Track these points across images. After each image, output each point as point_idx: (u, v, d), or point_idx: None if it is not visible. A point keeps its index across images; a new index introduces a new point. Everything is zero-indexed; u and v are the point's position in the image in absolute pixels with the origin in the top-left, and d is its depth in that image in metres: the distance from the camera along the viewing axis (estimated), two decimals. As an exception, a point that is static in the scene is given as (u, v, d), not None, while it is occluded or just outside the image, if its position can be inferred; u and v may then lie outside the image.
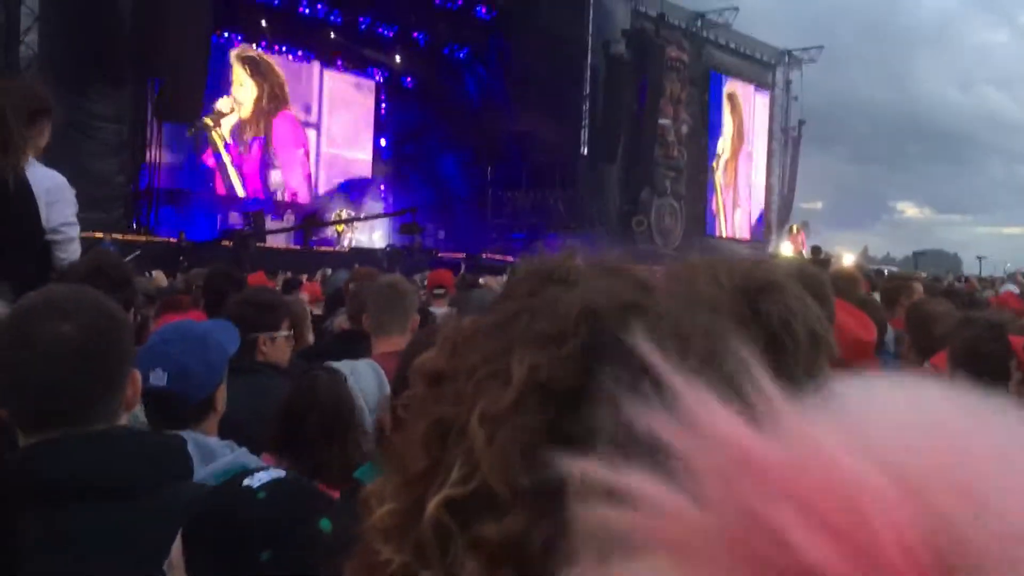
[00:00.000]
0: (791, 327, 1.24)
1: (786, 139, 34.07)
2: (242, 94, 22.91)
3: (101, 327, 1.65)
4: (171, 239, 16.60)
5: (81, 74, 15.34)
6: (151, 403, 2.11)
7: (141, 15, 15.67)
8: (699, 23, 29.13)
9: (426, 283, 7.59)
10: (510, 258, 19.95)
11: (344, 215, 22.72)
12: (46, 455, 1.54)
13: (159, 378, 2.13)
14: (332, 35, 23.79)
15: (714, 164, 30.73)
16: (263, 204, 22.27)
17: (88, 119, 15.63)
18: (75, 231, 3.84)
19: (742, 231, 32.45)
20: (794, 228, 27.99)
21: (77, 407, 1.60)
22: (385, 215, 22.12)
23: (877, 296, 6.18)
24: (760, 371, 0.40)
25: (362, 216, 21.67)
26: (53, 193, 3.69)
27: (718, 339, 0.64)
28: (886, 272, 18.98)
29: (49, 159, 3.87)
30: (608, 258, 0.79)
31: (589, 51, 24.73)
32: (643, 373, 0.60)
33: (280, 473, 1.44)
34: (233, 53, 22.46)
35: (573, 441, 0.59)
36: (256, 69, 23.11)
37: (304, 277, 10.31)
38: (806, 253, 23.86)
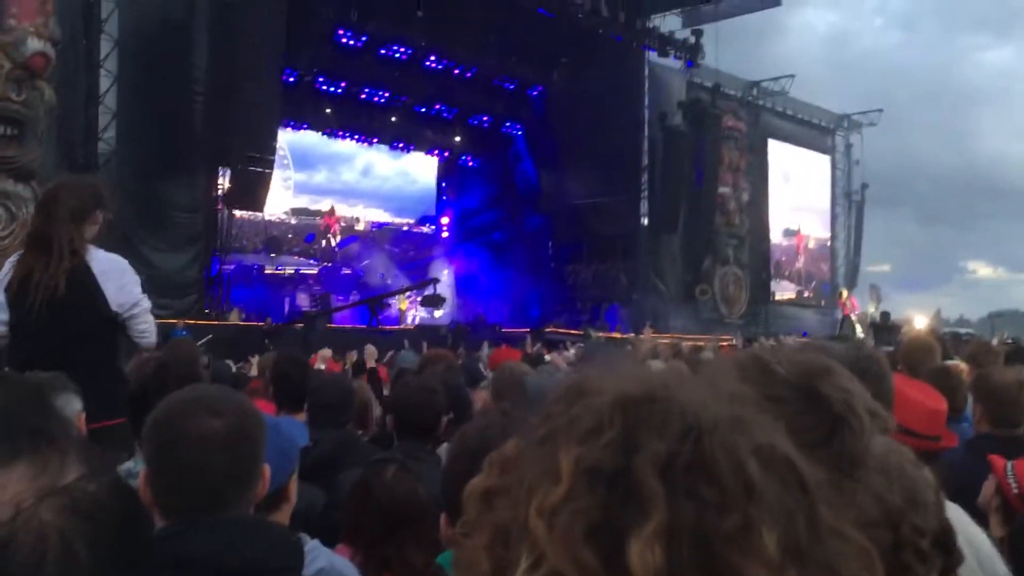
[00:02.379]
0: (853, 408, 1.29)
1: (849, 203, 33.71)
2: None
3: (245, 424, 1.81)
4: (257, 323, 17.04)
5: (156, 167, 16.05)
6: None
7: (213, 108, 16.40)
8: (755, 91, 29.25)
9: (488, 361, 7.62)
10: (574, 331, 19.94)
11: (407, 294, 23.00)
12: (189, 536, 1.66)
13: None
14: (393, 119, 24.47)
15: (777, 230, 30.49)
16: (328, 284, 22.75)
17: (163, 209, 16.27)
18: (146, 305, 4.00)
19: (809, 299, 31.95)
20: (843, 294, 27.48)
21: (221, 495, 1.76)
22: (407, 288, 22.16)
23: (957, 361, 6.05)
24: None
25: (388, 293, 21.78)
26: (113, 276, 3.85)
27: (742, 423, 0.72)
28: (963, 335, 18.49)
29: (126, 248, 4.05)
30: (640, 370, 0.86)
31: (646, 123, 24.98)
32: (677, 450, 0.68)
33: None
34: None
35: (626, 515, 0.66)
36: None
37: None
38: (854, 317, 23.38)
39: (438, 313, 23.64)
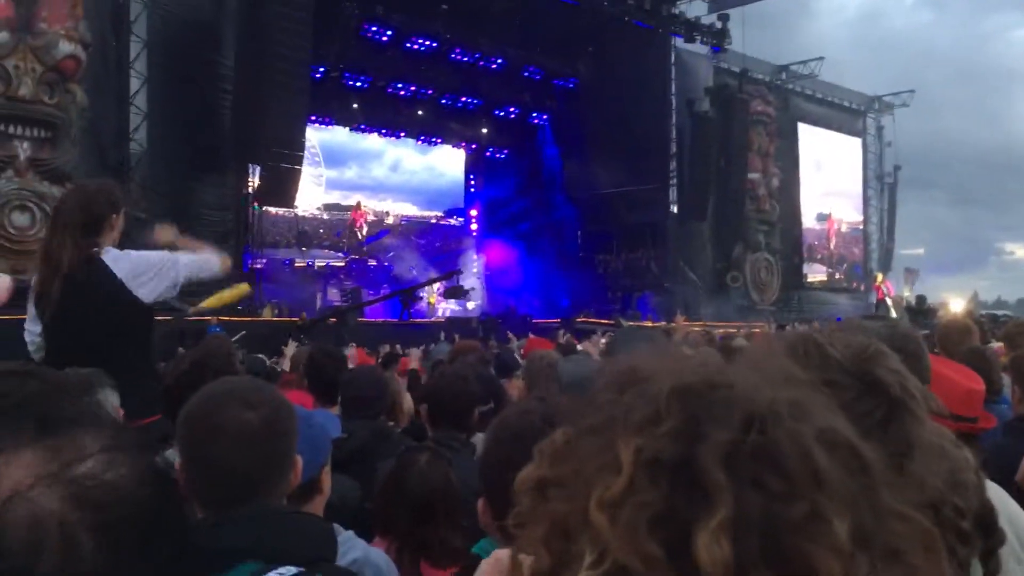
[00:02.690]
0: (911, 392, 1.28)
1: (882, 186, 33.29)
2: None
3: (279, 416, 1.83)
4: (291, 318, 17.18)
5: (187, 166, 16.21)
6: None
7: (242, 106, 16.52)
8: (783, 76, 28.94)
9: (522, 352, 7.62)
10: (605, 321, 19.88)
11: (471, 291, 22.99)
12: (224, 527, 1.68)
13: None
14: (420, 112, 24.52)
15: (808, 215, 30.20)
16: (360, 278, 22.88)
17: (195, 207, 16.43)
18: (171, 258, 3.94)
19: (840, 281, 31.63)
20: (878, 277, 27.16)
21: (254, 487, 1.77)
22: (431, 280, 22.12)
23: (995, 343, 5.95)
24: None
25: (416, 285, 21.80)
26: (121, 262, 3.82)
27: (803, 408, 0.71)
28: (1000, 316, 18.19)
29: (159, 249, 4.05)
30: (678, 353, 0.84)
31: (673, 111, 24.81)
32: (740, 439, 0.66)
33: (292, 570, 1.51)
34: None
35: (690, 506, 0.65)
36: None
37: (399, 348, 10.51)
38: (890, 301, 23.11)
39: (471, 305, 23.70)
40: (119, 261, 3.82)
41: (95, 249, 3.78)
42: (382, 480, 2.55)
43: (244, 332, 12.85)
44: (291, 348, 7.08)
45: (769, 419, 0.68)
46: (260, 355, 8.68)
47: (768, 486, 0.65)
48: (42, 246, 4.00)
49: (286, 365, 6.42)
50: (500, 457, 1.80)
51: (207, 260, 4.11)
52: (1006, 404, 3.95)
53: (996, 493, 1.66)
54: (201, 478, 1.76)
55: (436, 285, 22.37)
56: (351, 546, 2.03)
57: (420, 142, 26.27)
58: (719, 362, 0.77)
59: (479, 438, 3.04)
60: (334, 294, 21.26)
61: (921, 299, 18.89)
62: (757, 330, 15.49)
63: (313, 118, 21.63)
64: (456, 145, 27.25)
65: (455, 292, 20.73)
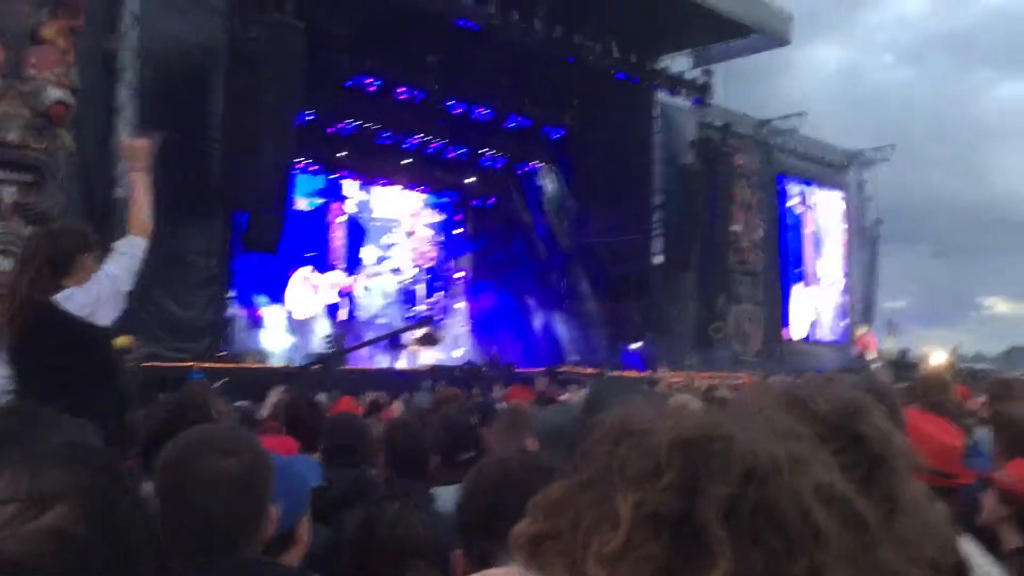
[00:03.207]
0: (892, 445, 1.28)
1: (863, 239, 33.63)
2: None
3: (256, 464, 1.82)
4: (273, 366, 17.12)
5: (173, 212, 16.15)
6: None
7: (228, 150, 16.59)
8: (765, 130, 29.38)
9: (504, 400, 7.60)
10: (589, 370, 19.87)
11: (442, 338, 22.97)
12: None
13: None
14: (406, 160, 24.67)
15: (791, 267, 30.43)
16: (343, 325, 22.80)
17: (180, 253, 16.38)
18: (109, 273, 3.92)
19: (823, 334, 31.76)
20: (861, 330, 27.34)
21: (231, 536, 1.76)
22: (407, 328, 22.00)
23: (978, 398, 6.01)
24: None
25: (393, 332, 21.69)
26: (91, 307, 3.82)
27: (801, 463, 0.70)
28: (979, 370, 18.30)
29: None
30: (682, 406, 0.84)
31: (657, 163, 25.10)
32: (740, 494, 0.66)
33: None
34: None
35: (691, 561, 0.64)
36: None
37: (384, 396, 10.46)
38: (868, 356, 23.24)
39: (457, 353, 23.65)
40: (70, 299, 3.79)
41: (60, 288, 3.75)
42: (353, 530, 2.52)
43: (227, 379, 12.76)
44: (274, 395, 7.03)
45: (769, 474, 0.68)
46: (243, 402, 8.64)
47: (768, 543, 0.65)
48: (8, 281, 3.98)
49: (266, 412, 6.38)
50: (478, 507, 1.79)
51: (135, 255, 4.08)
52: (982, 457, 3.97)
53: (968, 547, 1.68)
54: (178, 527, 1.75)
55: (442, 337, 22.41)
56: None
57: (407, 189, 26.37)
58: (717, 415, 0.77)
59: (442, 491, 3.03)
60: (318, 341, 21.15)
61: (903, 352, 19.00)
62: (742, 381, 15.53)
63: (297, 164, 21.80)
64: (442, 193, 27.39)
65: (428, 339, 20.56)
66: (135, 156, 4.28)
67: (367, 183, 25.50)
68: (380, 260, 26.02)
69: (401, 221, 26.69)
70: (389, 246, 26.27)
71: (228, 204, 17.22)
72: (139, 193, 4.24)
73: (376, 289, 25.58)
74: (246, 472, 1.78)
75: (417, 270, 27.05)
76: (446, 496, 2.88)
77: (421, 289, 26.93)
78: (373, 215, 25.92)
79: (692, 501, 0.66)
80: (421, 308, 23.55)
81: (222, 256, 17.84)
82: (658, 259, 25.14)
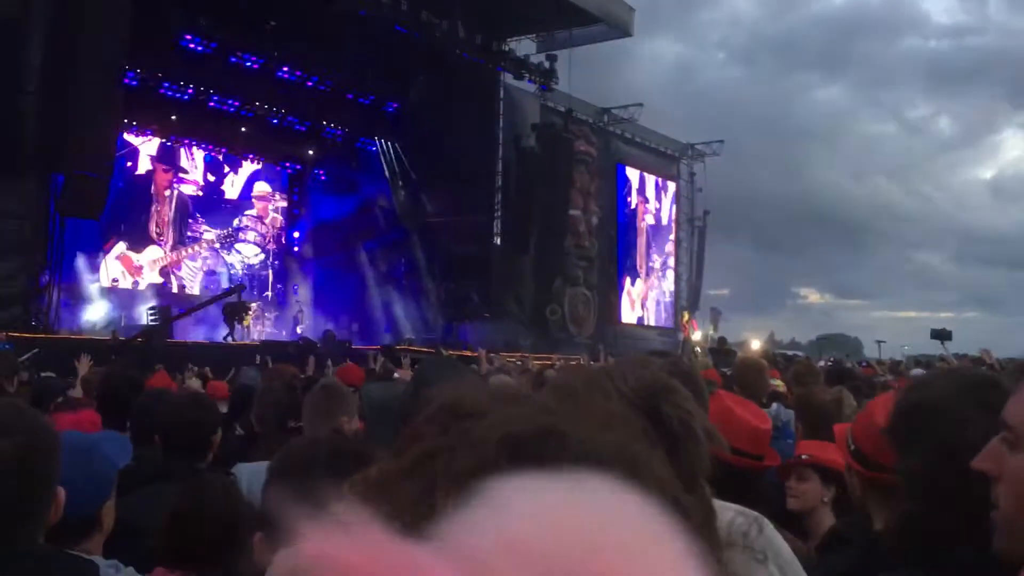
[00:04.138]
0: (692, 428, 1.31)
1: (692, 229, 35.18)
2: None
3: (35, 444, 1.65)
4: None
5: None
6: None
7: (46, 108, 15.45)
8: (605, 118, 30.15)
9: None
10: (426, 349, 19.87)
11: (253, 307, 22.25)
12: None
13: None
14: (243, 128, 23.76)
15: (624, 253, 31.46)
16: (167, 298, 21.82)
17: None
18: None
19: (652, 318, 33.08)
20: (685, 316, 28.73)
21: (5, 526, 1.59)
22: (213, 299, 21.12)
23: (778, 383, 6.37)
24: None
25: (197, 306, 20.82)
26: None
27: (631, 457, 0.66)
28: (791, 356, 19.53)
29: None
30: (511, 388, 0.80)
31: (500, 144, 25.31)
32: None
33: None
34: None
35: None
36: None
37: (208, 372, 10.10)
38: (695, 339, 24.48)
39: (299, 329, 23.12)
40: None
41: None
42: (173, 505, 2.39)
43: (37, 350, 11.96)
44: (84, 366, 6.61)
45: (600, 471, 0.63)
46: (51, 374, 8.13)
47: None
48: None
49: (78, 385, 6.00)
50: (283, 489, 1.71)
51: None
52: (791, 439, 4.20)
53: (772, 534, 1.78)
54: None
55: (253, 307, 21.65)
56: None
57: (243, 159, 25.42)
58: (547, 405, 0.73)
59: (240, 467, 2.94)
60: (141, 312, 20.15)
61: (723, 340, 20.01)
62: (573, 362, 15.93)
63: (129, 128, 20.62)
64: (280, 164, 26.59)
65: (236, 309, 19.74)
66: None
67: (207, 152, 24.41)
68: (207, 235, 25.00)
69: (235, 197, 25.70)
70: (224, 221, 25.25)
71: (45, 163, 16.04)
72: None
73: (201, 265, 24.60)
74: (26, 453, 1.62)
75: (254, 247, 26.20)
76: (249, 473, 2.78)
77: (256, 262, 26.11)
78: (207, 189, 24.84)
79: None
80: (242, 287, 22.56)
81: (37, 221, 16.67)
82: (497, 240, 25.40)
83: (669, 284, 34.29)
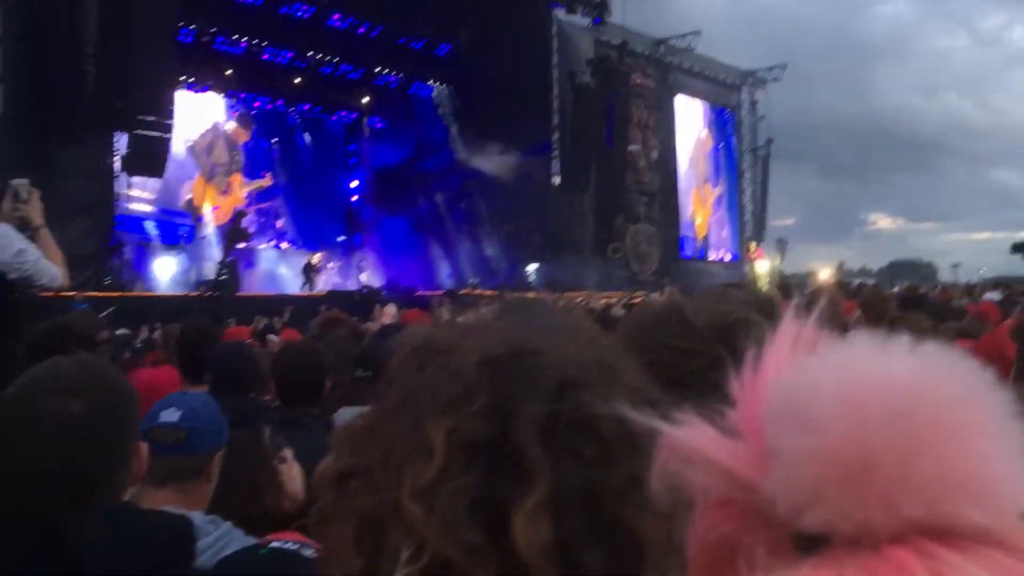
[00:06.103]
0: None
1: (755, 158, 34.39)
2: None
3: (109, 402, 1.61)
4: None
5: (47, 133, 15.27)
6: (156, 445, 1.95)
7: (105, 68, 15.64)
8: (662, 49, 29.43)
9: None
10: (489, 292, 19.92)
11: (316, 259, 22.58)
12: (49, 540, 1.46)
13: (171, 415, 2.07)
14: (297, 80, 23.83)
15: (686, 186, 30.96)
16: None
17: (55, 178, 15.53)
18: (30, 256, 3.91)
19: (717, 252, 32.61)
20: (751, 247, 28.20)
21: (81, 487, 1.55)
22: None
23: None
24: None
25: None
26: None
27: (608, 368, 0.68)
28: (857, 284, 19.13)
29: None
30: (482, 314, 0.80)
31: (555, 82, 24.92)
32: (555, 410, 0.63)
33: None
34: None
35: (509, 486, 0.61)
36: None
37: (276, 321, 10.27)
38: (759, 271, 24.10)
39: (365, 276, 23.46)
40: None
41: None
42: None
43: (113, 308, 12.29)
44: (154, 329, 6.74)
45: (582, 383, 0.65)
46: (127, 330, 8.34)
47: (585, 454, 0.62)
48: None
49: (145, 340, 6.13)
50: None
51: (53, 274, 4.05)
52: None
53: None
54: (16, 478, 1.54)
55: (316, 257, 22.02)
56: (228, 541, 1.81)
57: (298, 110, 25.54)
58: (521, 327, 0.73)
59: (344, 412, 2.95)
60: (210, 268, 20.53)
61: (783, 275, 19.83)
62: (636, 299, 15.80)
63: (186, 85, 20.79)
64: (336, 114, 26.65)
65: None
66: (32, 216, 4.22)
67: (260, 104, 24.55)
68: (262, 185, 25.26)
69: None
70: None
71: (106, 123, 16.29)
72: (54, 249, 4.24)
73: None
74: (98, 412, 1.57)
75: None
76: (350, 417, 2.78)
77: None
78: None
79: (506, 423, 0.63)
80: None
81: (103, 179, 17.00)
82: (556, 180, 25.18)
83: (733, 216, 33.70)
